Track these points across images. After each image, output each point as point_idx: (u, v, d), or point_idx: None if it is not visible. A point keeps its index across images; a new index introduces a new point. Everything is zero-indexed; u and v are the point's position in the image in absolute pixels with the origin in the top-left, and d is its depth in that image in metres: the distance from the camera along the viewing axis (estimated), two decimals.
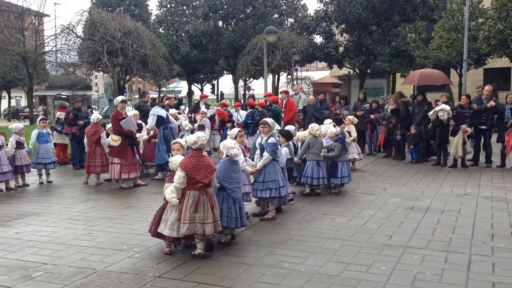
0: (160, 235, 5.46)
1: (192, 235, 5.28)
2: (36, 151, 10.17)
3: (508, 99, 11.63)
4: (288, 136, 8.16)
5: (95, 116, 10.36)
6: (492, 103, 11.55)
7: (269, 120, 7.18)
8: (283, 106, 14.23)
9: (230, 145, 5.75)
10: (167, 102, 13.00)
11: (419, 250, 5.48)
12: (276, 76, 31.97)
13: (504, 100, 11.89)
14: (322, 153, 8.66)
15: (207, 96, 16.13)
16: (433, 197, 8.37)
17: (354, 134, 11.49)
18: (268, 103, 14.27)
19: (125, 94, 29.68)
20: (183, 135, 10.64)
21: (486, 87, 12.21)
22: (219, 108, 15.09)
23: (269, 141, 6.91)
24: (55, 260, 5.27)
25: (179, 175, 5.18)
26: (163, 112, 10.48)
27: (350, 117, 11.90)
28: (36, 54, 31.76)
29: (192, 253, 5.38)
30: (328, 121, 10.29)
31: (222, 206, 5.63)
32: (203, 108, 14.19)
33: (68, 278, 4.72)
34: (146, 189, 9.53)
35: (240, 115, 14.08)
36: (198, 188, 5.21)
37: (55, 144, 12.20)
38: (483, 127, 11.74)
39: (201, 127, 12.71)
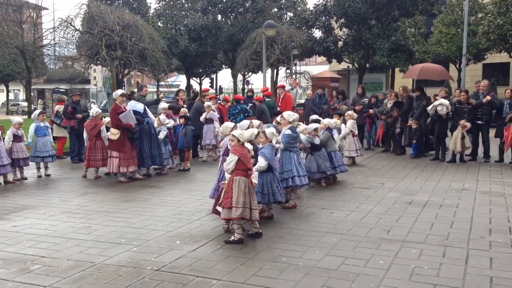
0: (217, 212, 5.98)
1: (244, 218, 5.54)
2: (34, 145, 10.16)
3: (506, 94, 11.63)
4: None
5: (94, 109, 10.33)
6: (488, 97, 11.54)
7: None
8: (280, 100, 14.19)
9: (276, 133, 6.61)
10: (161, 96, 12.97)
11: (417, 244, 5.50)
12: (275, 70, 31.91)
13: (503, 95, 11.88)
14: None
15: (208, 89, 15.64)
16: (431, 192, 8.39)
17: (355, 129, 11.40)
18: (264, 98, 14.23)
19: (123, 87, 29.62)
20: (160, 130, 10.40)
21: (482, 82, 12.21)
22: (221, 102, 14.95)
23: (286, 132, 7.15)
24: (53, 253, 5.27)
25: (231, 159, 5.54)
26: (139, 107, 10.19)
27: (349, 112, 11.83)
28: (34, 47, 31.65)
29: (230, 239, 5.58)
30: (312, 117, 9.95)
31: (272, 185, 6.33)
32: (207, 102, 13.70)
33: (66, 271, 4.72)
34: (144, 182, 9.52)
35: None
36: (247, 176, 5.57)
37: (55, 138, 12.20)
38: (480, 122, 11.73)
39: (209, 121, 12.36)
